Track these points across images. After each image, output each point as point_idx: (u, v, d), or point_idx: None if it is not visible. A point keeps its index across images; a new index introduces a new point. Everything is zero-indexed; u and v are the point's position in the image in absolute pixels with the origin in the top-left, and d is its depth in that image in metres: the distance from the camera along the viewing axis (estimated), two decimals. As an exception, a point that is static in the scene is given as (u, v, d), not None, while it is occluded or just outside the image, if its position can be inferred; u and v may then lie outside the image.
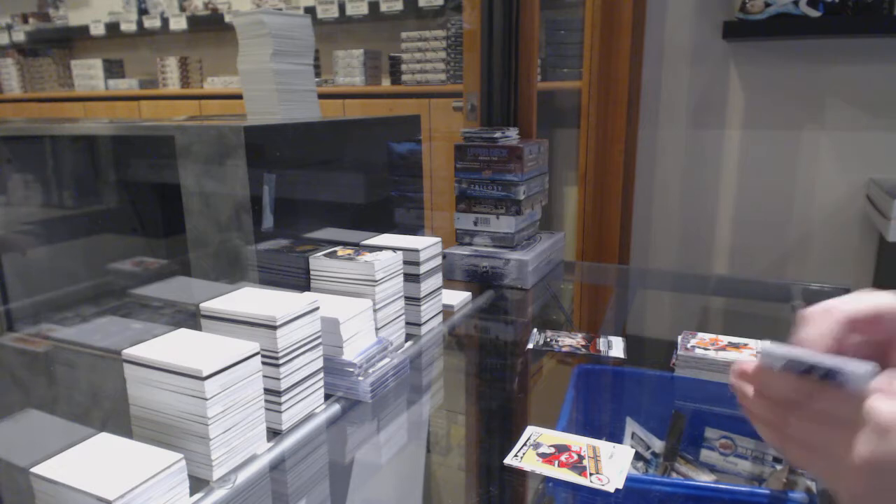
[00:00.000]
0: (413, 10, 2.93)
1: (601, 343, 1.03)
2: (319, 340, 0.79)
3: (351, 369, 0.83)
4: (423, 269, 1.01)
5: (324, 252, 0.96)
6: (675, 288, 1.57)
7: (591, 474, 0.66)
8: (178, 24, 3.58)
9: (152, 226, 1.18)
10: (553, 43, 2.49)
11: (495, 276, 1.34)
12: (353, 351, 0.84)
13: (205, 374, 0.62)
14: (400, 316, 0.98)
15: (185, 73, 3.71)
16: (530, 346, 1.04)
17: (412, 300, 1.02)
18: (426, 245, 1.02)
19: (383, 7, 2.97)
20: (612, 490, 0.64)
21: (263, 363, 0.70)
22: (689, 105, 2.09)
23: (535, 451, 0.71)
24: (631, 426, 0.89)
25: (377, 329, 0.91)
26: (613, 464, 0.68)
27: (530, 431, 0.75)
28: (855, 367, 0.42)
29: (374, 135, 1.31)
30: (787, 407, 0.45)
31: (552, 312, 1.32)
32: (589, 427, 0.93)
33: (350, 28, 3.25)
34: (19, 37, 4.18)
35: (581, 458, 0.69)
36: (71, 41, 4.21)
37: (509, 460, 0.69)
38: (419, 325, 1.03)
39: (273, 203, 0.96)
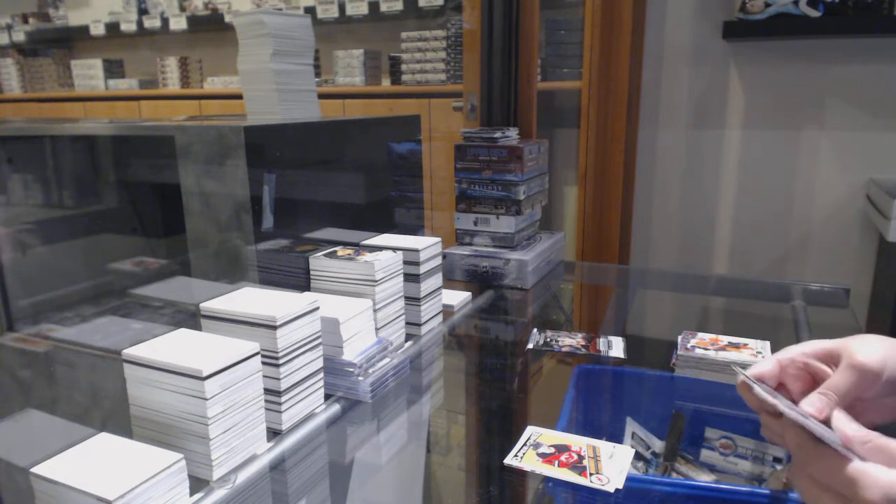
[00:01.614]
0: (413, 10, 2.93)
1: (601, 343, 1.03)
2: (319, 340, 0.79)
3: (351, 369, 0.83)
4: (423, 269, 1.01)
5: (324, 252, 0.96)
6: (675, 288, 1.57)
7: (591, 474, 0.66)
8: (178, 24, 3.58)
9: (152, 226, 1.18)
10: (553, 43, 2.49)
11: (495, 276, 1.34)
12: (353, 351, 0.84)
13: (205, 374, 0.62)
14: (400, 316, 0.98)
15: (185, 73, 3.71)
16: (530, 346, 1.03)
17: (412, 300, 1.01)
18: (426, 245, 1.02)
19: (383, 7, 2.97)
20: (611, 490, 0.64)
21: (263, 363, 0.69)
22: (689, 105, 2.09)
23: (535, 451, 0.71)
24: (631, 426, 0.89)
25: (377, 329, 0.91)
26: (613, 464, 0.68)
27: (530, 431, 0.75)
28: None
29: (374, 135, 1.31)
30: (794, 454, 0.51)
31: (552, 312, 1.32)
32: (589, 427, 0.93)
33: (350, 28, 3.25)
34: (19, 37, 4.18)
35: (581, 458, 0.69)
36: (71, 41, 4.21)
37: (509, 460, 0.69)
38: (419, 325, 1.03)
39: (273, 203, 0.96)
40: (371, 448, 0.80)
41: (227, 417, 0.65)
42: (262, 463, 0.69)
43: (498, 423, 0.90)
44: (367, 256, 0.93)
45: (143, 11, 3.75)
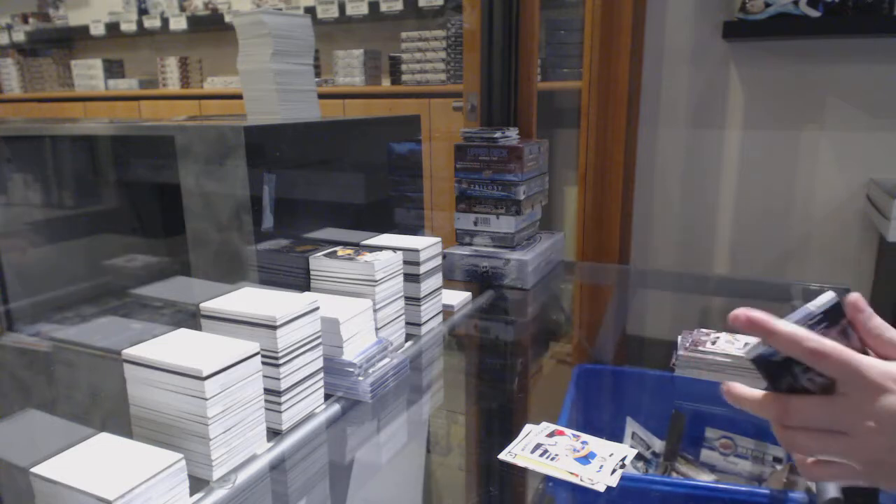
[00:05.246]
0: (413, 10, 2.93)
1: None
2: (319, 340, 0.79)
3: (351, 369, 0.83)
4: (423, 269, 1.01)
5: (324, 252, 0.96)
6: (675, 288, 1.57)
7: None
8: (178, 24, 3.58)
9: (152, 226, 1.18)
10: (553, 43, 2.49)
11: (495, 276, 1.34)
12: (353, 351, 0.84)
13: (205, 374, 0.62)
14: (400, 316, 0.98)
15: (185, 73, 3.71)
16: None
17: (412, 300, 1.01)
18: (426, 245, 1.02)
19: (383, 7, 2.97)
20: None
21: (263, 363, 0.70)
22: (689, 105, 2.09)
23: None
24: (631, 426, 0.89)
25: (377, 329, 0.91)
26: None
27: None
28: None
29: (374, 135, 1.31)
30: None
31: (552, 312, 1.32)
32: (589, 427, 0.93)
33: (350, 28, 3.25)
34: (19, 37, 4.18)
35: None
36: (71, 41, 4.21)
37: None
38: (419, 325, 1.03)
39: (273, 203, 0.96)
40: (371, 448, 0.80)
41: (227, 417, 0.65)
42: (262, 463, 0.69)
43: (498, 423, 0.90)
44: (367, 256, 0.93)
45: (143, 11, 3.75)
